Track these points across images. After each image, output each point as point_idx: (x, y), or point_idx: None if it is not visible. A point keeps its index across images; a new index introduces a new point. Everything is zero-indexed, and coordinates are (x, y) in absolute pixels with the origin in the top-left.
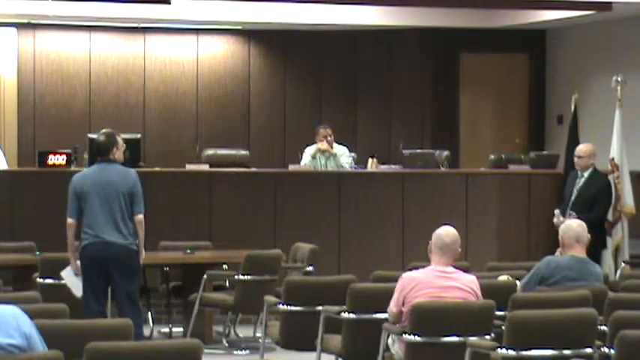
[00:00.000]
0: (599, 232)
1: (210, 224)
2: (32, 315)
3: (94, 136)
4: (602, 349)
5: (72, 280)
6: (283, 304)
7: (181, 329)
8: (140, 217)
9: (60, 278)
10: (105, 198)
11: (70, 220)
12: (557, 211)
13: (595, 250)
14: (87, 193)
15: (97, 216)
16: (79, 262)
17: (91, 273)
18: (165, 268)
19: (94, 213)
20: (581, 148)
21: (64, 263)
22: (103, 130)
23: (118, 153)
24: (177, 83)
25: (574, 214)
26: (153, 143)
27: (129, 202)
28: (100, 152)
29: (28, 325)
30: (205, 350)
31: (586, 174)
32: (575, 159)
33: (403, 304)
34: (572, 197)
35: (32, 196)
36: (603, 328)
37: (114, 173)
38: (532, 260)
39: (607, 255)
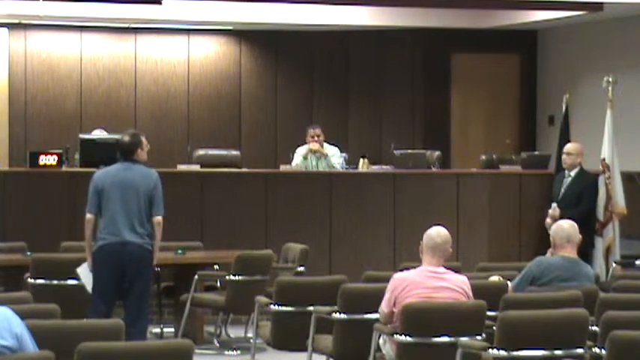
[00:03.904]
0: (586, 232)
1: (201, 225)
2: (23, 315)
3: (85, 136)
4: (593, 350)
5: (87, 276)
6: (274, 305)
7: (172, 330)
8: (159, 218)
9: (52, 278)
10: (124, 197)
11: (89, 216)
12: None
13: (584, 250)
14: (107, 190)
15: (116, 215)
16: None
17: (102, 273)
18: (156, 269)
19: (113, 212)
20: (569, 146)
21: (56, 264)
22: (128, 131)
23: (143, 153)
24: (169, 83)
25: (557, 209)
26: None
27: (148, 203)
28: (124, 153)
29: (19, 325)
30: (196, 350)
31: (573, 173)
32: (564, 156)
33: (394, 305)
34: (559, 197)
35: (23, 196)
36: (594, 328)
37: (136, 173)
38: (523, 260)
39: (598, 255)
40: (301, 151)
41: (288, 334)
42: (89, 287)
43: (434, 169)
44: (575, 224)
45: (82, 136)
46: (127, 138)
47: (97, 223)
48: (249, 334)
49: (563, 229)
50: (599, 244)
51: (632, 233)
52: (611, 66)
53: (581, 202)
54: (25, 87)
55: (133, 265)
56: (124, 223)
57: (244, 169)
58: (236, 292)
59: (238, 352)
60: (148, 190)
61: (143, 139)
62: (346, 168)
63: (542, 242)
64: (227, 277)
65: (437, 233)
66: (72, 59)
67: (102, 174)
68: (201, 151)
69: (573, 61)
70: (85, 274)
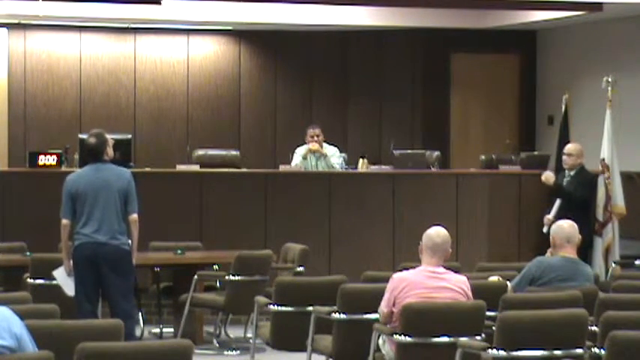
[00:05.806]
0: (585, 231)
1: (200, 225)
2: (23, 315)
3: (85, 136)
4: (592, 350)
5: (64, 280)
6: (274, 305)
7: (172, 330)
8: (135, 216)
9: (51, 278)
10: (99, 198)
11: (64, 221)
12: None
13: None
14: (81, 193)
15: (91, 216)
16: (71, 263)
17: (83, 273)
18: (155, 269)
19: (88, 213)
20: (570, 147)
21: (55, 264)
22: (92, 132)
23: (110, 150)
24: (168, 84)
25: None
26: (143, 144)
27: (123, 201)
28: (93, 155)
29: (18, 325)
30: (196, 351)
31: (572, 173)
32: (564, 157)
33: (394, 305)
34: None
35: (23, 196)
36: (594, 328)
37: (108, 173)
38: (523, 261)
39: (597, 255)
40: (300, 151)
41: (287, 335)
42: (66, 289)
43: (433, 170)
44: (575, 224)
45: (81, 136)
46: (93, 140)
47: (72, 227)
48: (249, 335)
49: (563, 229)
50: (599, 245)
51: (632, 233)
52: (611, 66)
53: (577, 191)
54: (25, 87)
55: (111, 266)
56: (100, 225)
57: (244, 169)
58: (235, 292)
59: (238, 352)
60: (123, 188)
61: (107, 136)
62: (346, 168)
63: (542, 242)
64: (226, 277)
65: (436, 233)
66: (71, 59)
67: (74, 177)
68: (201, 151)
69: (573, 61)
70: (62, 277)
